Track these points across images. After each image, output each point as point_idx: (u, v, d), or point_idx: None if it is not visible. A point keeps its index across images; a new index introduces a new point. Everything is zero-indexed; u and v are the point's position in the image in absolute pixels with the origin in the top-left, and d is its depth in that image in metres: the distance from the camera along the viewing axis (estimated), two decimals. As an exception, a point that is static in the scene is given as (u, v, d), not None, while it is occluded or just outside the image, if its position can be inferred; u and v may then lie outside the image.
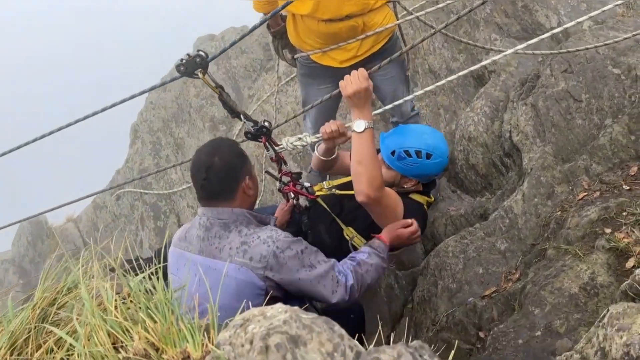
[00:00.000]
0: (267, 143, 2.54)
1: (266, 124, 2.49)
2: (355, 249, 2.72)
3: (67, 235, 7.91)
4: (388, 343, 2.88)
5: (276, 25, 3.22)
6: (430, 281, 3.00)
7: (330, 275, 2.01)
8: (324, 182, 2.93)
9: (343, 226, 2.75)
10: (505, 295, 2.60)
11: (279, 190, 2.76)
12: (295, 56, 3.17)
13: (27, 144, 2.54)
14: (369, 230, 2.65)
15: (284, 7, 2.50)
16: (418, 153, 2.63)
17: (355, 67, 2.67)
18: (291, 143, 2.55)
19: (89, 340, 0.93)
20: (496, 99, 3.60)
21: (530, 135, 3.11)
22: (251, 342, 0.76)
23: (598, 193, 2.69)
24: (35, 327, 1.07)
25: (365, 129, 2.23)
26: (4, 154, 2.59)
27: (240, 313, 0.87)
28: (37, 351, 1.03)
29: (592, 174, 2.83)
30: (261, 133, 2.50)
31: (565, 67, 3.17)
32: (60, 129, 2.46)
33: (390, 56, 2.44)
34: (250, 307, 1.00)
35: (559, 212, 2.76)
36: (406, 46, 2.86)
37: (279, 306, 0.80)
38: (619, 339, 1.30)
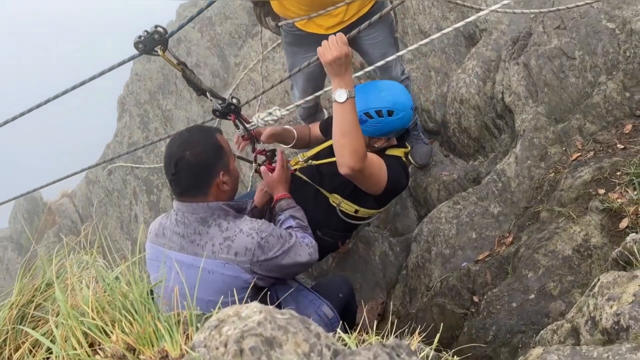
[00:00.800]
0: (236, 121, 2.43)
1: (234, 100, 2.37)
2: (345, 214, 2.70)
3: (63, 210, 7.90)
4: (385, 309, 2.87)
5: None
6: (424, 247, 3.00)
7: (298, 243, 2.10)
8: (299, 156, 2.88)
9: (327, 194, 2.71)
10: (498, 259, 2.60)
11: (255, 171, 2.65)
12: (279, 24, 3.04)
13: (15, 118, 2.46)
14: (354, 193, 2.61)
15: None
16: (379, 113, 2.54)
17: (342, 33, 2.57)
18: (262, 119, 2.42)
19: (65, 341, 0.90)
20: (488, 59, 3.50)
21: (522, 96, 3.04)
22: (225, 345, 0.74)
23: (592, 153, 2.65)
24: (13, 327, 1.05)
25: (347, 98, 2.14)
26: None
27: (221, 309, 0.84)
28: (15, 352, 1.01)
29: (586, 133, 2.78)
30: (229, 110, 2.37)
31: (558, 24, 3.07)
32: (49, 100, 2.36)
33: (378, 19, 2.33)
34: (237, 301, 0.97)
35: (552, 174, 2.73)
36: (395, 9, 2.74)
37: (254, 305, 0.77)
38: (609, 309, 1.29)
